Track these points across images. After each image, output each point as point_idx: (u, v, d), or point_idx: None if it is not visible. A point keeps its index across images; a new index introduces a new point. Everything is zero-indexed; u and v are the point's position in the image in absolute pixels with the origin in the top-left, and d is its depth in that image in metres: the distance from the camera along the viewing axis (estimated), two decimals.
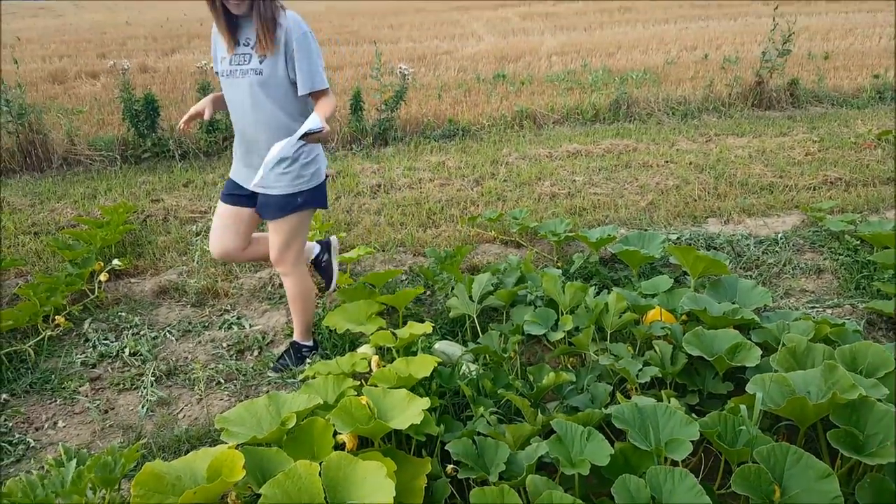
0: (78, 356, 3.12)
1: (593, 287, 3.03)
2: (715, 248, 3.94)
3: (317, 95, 2.56)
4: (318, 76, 2.52)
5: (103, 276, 3.64)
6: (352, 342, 3.11)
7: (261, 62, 2.45)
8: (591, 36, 14.69)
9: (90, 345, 3.22)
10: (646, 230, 4.14)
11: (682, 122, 7.41)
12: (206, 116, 2.62)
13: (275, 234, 2.76)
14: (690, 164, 5.68)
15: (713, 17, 16.96)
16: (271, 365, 3.03)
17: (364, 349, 2.90)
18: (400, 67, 6.90)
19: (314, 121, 2.31)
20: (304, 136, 2.30)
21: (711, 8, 19.37)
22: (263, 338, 3.28)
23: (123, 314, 3.49)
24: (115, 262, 3.74)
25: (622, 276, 3.59)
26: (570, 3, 24.25)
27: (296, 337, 3.08)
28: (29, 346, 3.08)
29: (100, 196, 5.33)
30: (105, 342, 3.24)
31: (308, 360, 3.01)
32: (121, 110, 6.45)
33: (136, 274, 3.97)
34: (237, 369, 3.02)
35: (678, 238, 4.05)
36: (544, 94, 8.61)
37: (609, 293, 3.08)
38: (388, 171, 5.86)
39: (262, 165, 2.28)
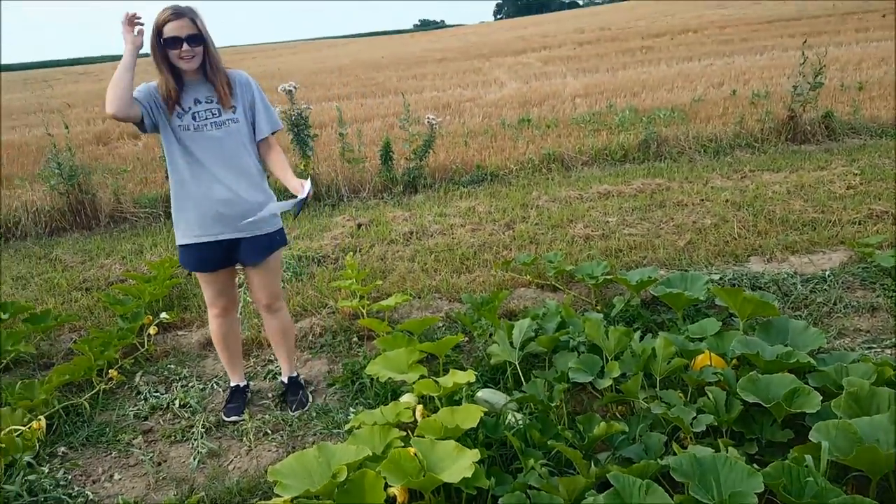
0: (130, 409, 3.20)
1: (637, 331, 3.01)
2: (760, 288, 3.88)
3: (269, 137, 2.82)
4: (276, 117, 2.85)
5: (152, 330, 3.75)
6: (393, 391, 3.13)
7: (234, 112, 2.69)
8: (614, 77, 14.84)
9: (142, 397, 3.30)
10: (687, 271, 4.11)
11: (715, 159, 7.39)
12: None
13: (266, 274, 2.94)
14: (727, 201, 5.65)
15: (738, 53, 17.01)
16: (292, 408, 3.10)
17: (406, 398, 2.90)
18: (428, 118, 7.06)
19: (309, 185, 2.60)
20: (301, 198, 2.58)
21: (735, 44, 19.46)
22: (306, 387, 3.31)
23: (172, 366, 3.57)
24: (163, 315, 3.84)
25: (666, 319, 3.56)
26: (590, 46, 24.59)
27: (291, 372, 3.24)
28: (84, 400, 3.17)
29: (146, 251, 5.50)
30: (156, 394, 3.31)
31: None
32: (163, 169, 6.68)
33: (183, 326, 4.07)
34: (283, 420, 3.05)
35: (721, 278, 4.01)
36: (571, 136, 8.70)
37: (654, 337, 3.05)
38: (420, 218, 5.94)
39: (266, 210, 2.58)
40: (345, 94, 16.51)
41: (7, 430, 2.78)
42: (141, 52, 2.61)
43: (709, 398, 2.50)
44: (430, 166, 7.30)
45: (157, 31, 2.57)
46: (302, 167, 6.72)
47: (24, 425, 2.83)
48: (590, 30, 33.57)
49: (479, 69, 20.21)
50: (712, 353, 2.86)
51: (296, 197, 2.59)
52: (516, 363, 3.01)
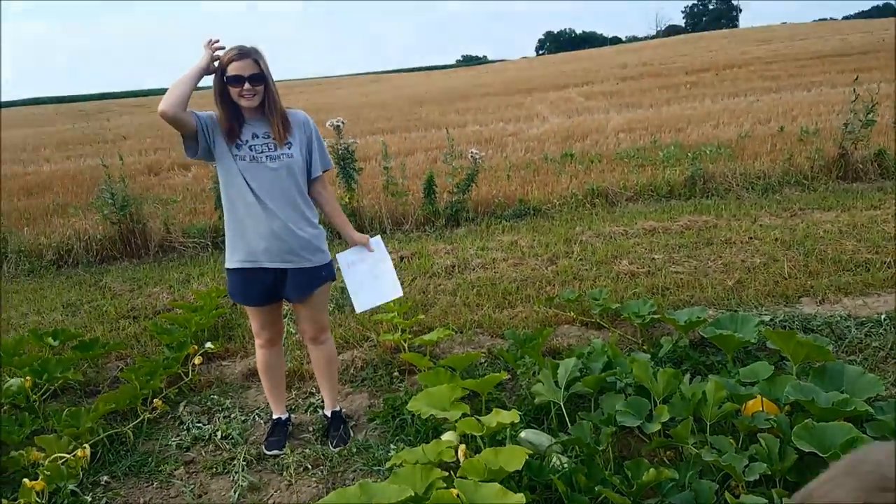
0: (173, 439, 3.22)
1: (687, 374, 2.92)
2: (813, 331, 3.74)
3: (321, 176, 2.96)
4: (328, 157, 3.00)
5: (197, 360, 3.79)
6: (435, 428, 3.08)
7: (289, 148, 2.76)
8: (657, 112, 14.75)
9: (184, 427, 3.32)
10: (736, 311, 3.99)
11: (763, 196, 7.23)
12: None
13: (313, 307, 2.98)
14: (776, 240, 5.50)
15: (785, 89, 16.77)
16: (333, 444, 3.08)
17: (448, 436, 2.86)
18: (471, 152, 7.11)
19: (381, 244, 3.07)
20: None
21: (782, 79, 19.20)
22: (347, 422, 3.29)
23: (215, 397, 3.60)
24: (208, 345, 3.89)
25: (715, 361, 3.45)
26: (632, 81, 24.56)
27: (334, 406, 3.23)
28: (128, 429, 3.20)
29: (193, 281, 5.61)
30: (198, 425, 3.33)
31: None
32: (212, 199, 6.85)
33: (227, 356, 4.11)
34: (323, 454, 3.03)
35: (772, 320, 3.88)
36: (615, 171, 8.64)
37: (703, 380, 2.96)
38: (462, 252, 5.93)
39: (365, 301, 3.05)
40: (388, 128, 16.78)
41: (53, 457, 2.82)
42: (203, 84, 2.72)
43: (762, 445, 2.40)
44: (472, 200, 7.32)
45: (222, 69, 2.68)
46: (346, 199, 6.81)
47: (69, 453, 2.86)
48: (632, 65, 33.57)
49: (521, 104, 20.34)
50: (764, 399, 2.76)
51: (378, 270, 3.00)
52: (561, 404, 2.94)
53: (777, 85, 17.87)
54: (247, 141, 2.75)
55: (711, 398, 2.63)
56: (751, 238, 5.66)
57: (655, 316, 3.86)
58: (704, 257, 5.27)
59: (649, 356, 3.25)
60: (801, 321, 3.90)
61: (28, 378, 3.54)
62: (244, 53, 2.67)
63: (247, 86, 2.66)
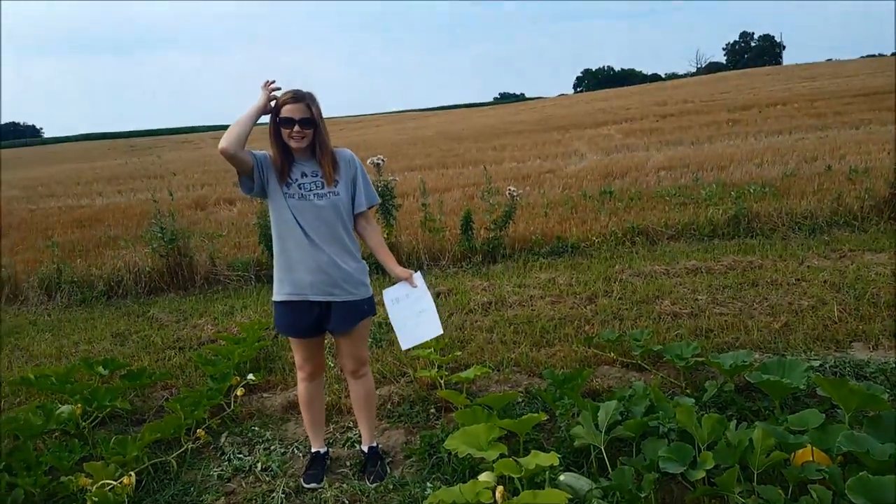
0: (215, 469, 3.26)
1: (733, 420, 2.85)
2: (866, 378, 3.61)
3: (366, 211, 3.05)
4: (374, 193, 3.07)
5: (240, 391, 3.85)
6: (472, 467, 3.06)
7: (336, 186, 2.86)
8: (699, 150, 14.64)
9: (226, 458, 3.36)
10: (783, 356, 3.89)
11: (811, 237, 7.08)
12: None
13: (355, 340, 3.05)
14: (825, 282, 5.36)
15: (831, 127, 16.50)
16: (370, 479, 3.07)
17: (485, 476, 2.83)
18: (509, 189, 7.16)
19: (421, 280, 3.08)
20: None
21: (828, 117, 18.90)
22: (384, 457, 3.29)
23: (256, 428, 3.64)
24: (250, 376, 3.95)
25: (762, 408, 3.35)
26: (673, 118, 24.47)
27: (371, 441, 3.24)
28: (172, 458, 3.26)
29: (237, 313, 5.73)
30: (239, 456, 3.36)
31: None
32: (256, 234, 7.02)
33: (268, 388, 4.16)
34: (360, 490, 3.02)
35: (821, 365, 3.77)
36: (655, 209, 8.57)
37: (749, 426, 2.88)
38: (499, 289, 5.93)
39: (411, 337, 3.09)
40: (426, 165, 17.01)
41: (100, 483, 2.89)
42: (259, 121, 2.87)
43: (812, 497, 2.32)
44: (509, 236, 7.34)
45: (276, 110, 2.81)
46: (385, 235, 6.91)
47: (116, 480, 2.93)
48: (672, 102, 33.48)
49: (559, 141, 20.43)
50: (815, 448, 2.67)
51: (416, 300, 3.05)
52: (602, 447, 2.89)
53: (823, 123, 17.59)
54: (296, 179, 2.86)
55: (759, 446, 2.56)
56: (798, 280, 5.53)
57: (699, 359, 3.78)
58: (749, 299, 5.16)
59: (693, 400, 3.18)
60: (853, 367, 3.78)
61: (79, 405, 3.65)
62: (298, 97, 2.79)
63: (297, 128, 2.78)
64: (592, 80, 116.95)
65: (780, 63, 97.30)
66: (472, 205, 8.59)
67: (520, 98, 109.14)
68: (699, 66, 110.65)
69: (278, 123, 2.81)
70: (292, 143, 2.82)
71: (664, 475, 2.75)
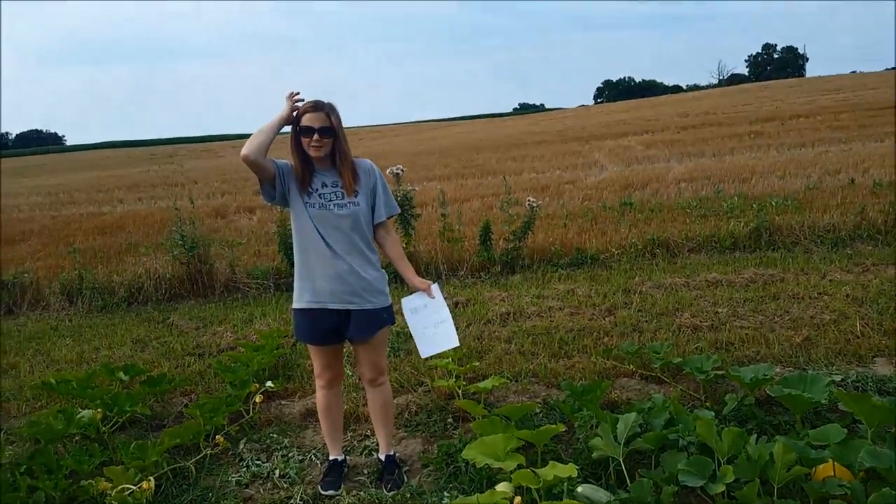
0: (233, 475, 3.28)
1: (753, 434, 2.81)
2: (889, 394, 3.55)
3: (386, 221, 3.06)
4: (393, 203, 3.10)
5: (258, 398, 3.88)
6: (489, 478, 3.05)
7: (356, 196, 2.89)
8: (720, 162, 14.53)
9: (244, 464, 3.38)
10: (805, 370, 3.84)
11: (833, 250, 6.99)
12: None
13: (373, 349, 3.06)
14: (847, 296, 5.29)
15: (855, 140, 16.30)
16: (387, 487, 3.07)
17: (502, 487, 2.82)
18: (528, 200, 7.15)
19: (438, 292, 3.11)
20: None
21: (852, 130, 18.68)
22: (400, 465, 3.29)
23: (274, 435, 3.66)
24: (269, 384, 3.99)
25: (782, 422, 3.31)
26: (694, 130, 24.33)
27: (388, 450, 3.23)
28: (191, 463, 3.29)
29: (256, 321, 5.77)
30: (257, 462, 3.38)
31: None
32: (276, 242, 7.09)
33: (286, 396, 4.19)
34: (378, 498, 3.02)
35: (843, 380, 3.72)
36: (676, 221, 8.52)
37: (769, 440, 2.85)
38: (517, 299, 5.92)
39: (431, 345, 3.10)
40: (445, 175, 17.06)
41: (120, 488, 2.92)
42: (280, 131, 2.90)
43: None
44: (528, 247, 7.33)
45: (297, 120, 2.85)
46: (403, 245, 6.93)
47: (135, 484, 2.96)
48: (694, 114, 33.30)
49: (579, 152, 20.38)
50: (836, 464, 2.63)
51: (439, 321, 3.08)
52: (620, 459, 2.87)
53: (846, 136, 17.38)
54: (317, 189, 2.90)
55: (779, 460, 2.52)
56: (820, 293, 5.46)
57: (719, 372, 3.75)
58: (770, 312, 5.11)
59: (713, 413, 3.15)
60: (876, 382, 3.72)
61: (99, 410, 3.70)
62: (318, 107, 2.83)
63: (316, 137, 2.81)
64: (613, 92, 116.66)
65: (803, 75, 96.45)
66: (491, 215, 8.59)
67: (539, 109, 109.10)
68: (721, 77, 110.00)
69: (298, 132, 2.85)
70: (311, 153, 2.85)
71: (683, 488, 2.72)
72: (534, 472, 2.70)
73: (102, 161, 47.14)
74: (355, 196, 2.91)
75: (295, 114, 2.86)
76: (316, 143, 2.82)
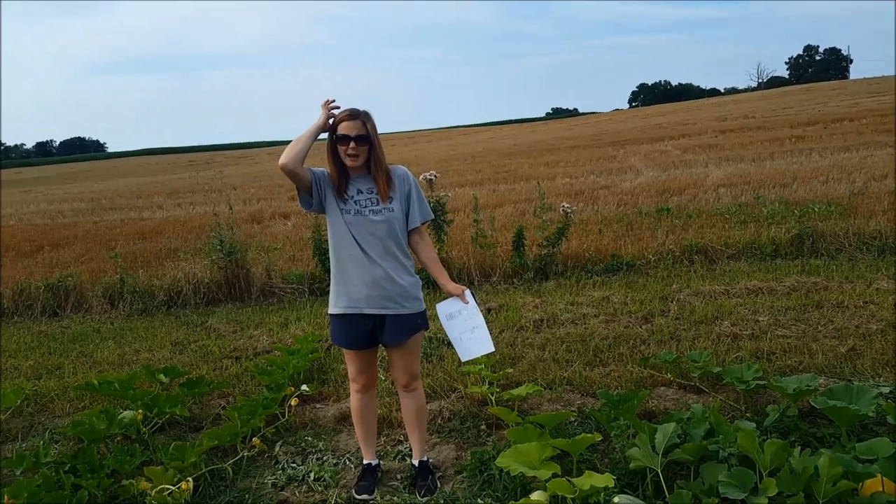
0: (269, 477, 3.31)
1: (797, 446, 2.74)
2: None
3: (420, 227, 3.08)
4: (427, 209, 3.11)
5: (294, 401, 3.92)
6: (523, 486, 3.02)
7: (390, 203, 2.92)
8: (760, 167, 14.23)
9: (280, 467, 3.41)
10: (850, 381, 3.72)
11: (880, 258, 6.77)
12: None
13: (407, 354, 3.07)
14: (895, 305, 5.12)
15: None
16: (421, 493, 3.07)
17: (537, 496, 2.80)
18: (563, 206, 7.10)
19: (471, 298, 3.12)
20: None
21: None
22: (434, 471, 3.28)
23: (309, 438, 3.69)
24: (304, 387, 4.02)
25: (826, 434, 3.21)
26: (732, 134, 23.89)
27: (422, 455, 3.22)
28: (228, 465, 3.34)
29: (291, 325, 5.84)
30: (293, 465, 3.41)
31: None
32: (311, 248, 7.16)
33: (321, 399, 4.22)
34: (411, 503, 3.02)
35: (891, 392, 3.59)
36: (714, 227, 8.37)
37: (813, 453, 2.76)
38: (551, 306, 5.87)
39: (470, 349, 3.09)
40: (477, 181, 17.04)
41: (159, 488, 2.98)
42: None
43: None
44: (562, 253, 7.27)
45: (333, 128, 2.89)
46: (436, 251, 6.94)
47: (174, 485, 3.01)
48: (732, 118, 32.72)
49: (614, 156, 20.17)
50: (885, 479, 2.54)
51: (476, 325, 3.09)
52: (658, 470, 2.82)
53: (892, 139, 16.85)
54: (352, 196, 2.93)
55: (825, 474, 2.45)
56: (865, 302, 5.29)
57: (760, 382, 3.65)
58: (814, 321, 4.97)
59: (754, 425, 3.08)
60: None
61: (140, 411, 3.78)
62: (354, 115, 2.87)
63: (352, 145, 2.85)
64: (648, 95, 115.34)
65: (846, 77, 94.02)
66: (524, 221, 8.55)
67: (573, 113, 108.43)
68: (760, 80, 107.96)
69: (335, 141, 2.88)
70: (348, 162, 2.89)
71: (724, 501, 2.65)
72: (569, 481, 2.67)
73: (142, 168, 48.35)
74: (390, 202, 2.94)
75: (331, 122, 2.90)
76: (352, 150, 2.85)
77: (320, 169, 2.98)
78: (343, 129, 2.85)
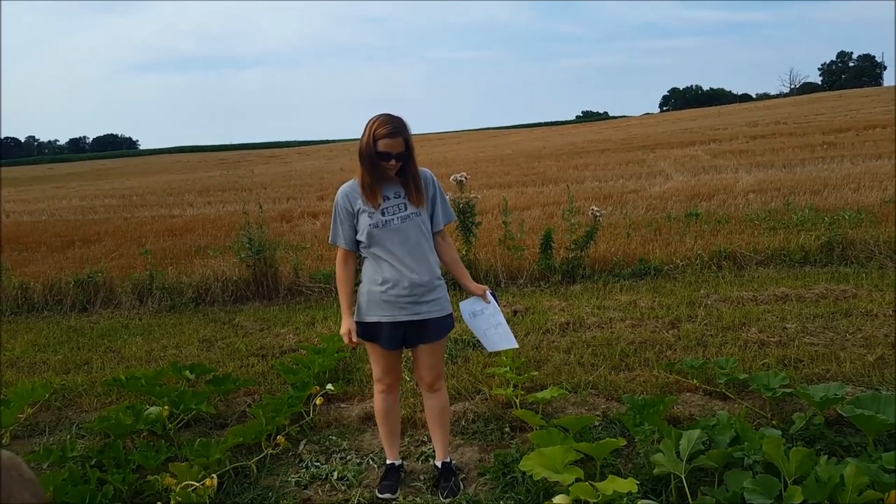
0: (293, 476, 3.35)
1: (823, 455, 2.70)
2: None
3: (443, 228, 3.15)
4: (450, 211, 3.18)
5: (319, 400, 3.96)
6: (546, 490, 3.02)
7: (417, 207, 2.97)
8: (791, 173, 14.01)
9: (303, 465, 3.44)
10: (878, 390, 3.66)
11: None
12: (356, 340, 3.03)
13: (433, 354, 3.11)
14: None
15: None
16: (444, 494, 3.08)
17: (560, 499, 2.79)
18: (592, 209, 7.07)
19: (492, 299, 3.17)
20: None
21: None
22: (456, 473, 3.29)
23: (333, 437, 3.72)
24: (329, 386, 4.06)
25: (853, 443, 3.16)
26: (763, 139, 23.53)
27: (445, 457, 3.23)
28: (253, 463, 3.38)
29: (317, 324, 5.89)
30: (316, 464, 3.45)
31: None
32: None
33: (346, 399, 4.26)
34: None
35: None
36: (743, 233, 8.27)
37: (839, 462, 2.72)
38: (577, 310, 5.84)
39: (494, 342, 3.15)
40: (506, 183, 17.03)
41: (184, 484, 3.01)
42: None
43: None
44: (589, 257, 7.23)
45: (373, 141, 2.87)
46: (464, 252, 6.95)
47: (199, 481, 3.04)
48: (763, 123, 32.22)
49: (643, 161, 19.99)
50: None
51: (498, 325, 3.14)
52: (682, 476, 2.80)
53: None
54: (380, 204, 2.96)
55: (850, 483, 2.42)
56: (895, 311, 5.19)
57: (787, 389, 3.60)
58: (842, 329, 4.89)
59: (780, 432, 3.04)
60: None
61: (166, 407, 3.83)
62: (396, 132, 2.86)
63: (392, 162, 2.89)
64: (679, 100, 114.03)
65: (880, 84, 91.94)
66: (552, 223, 8.53)
67: (603, 117, 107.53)
68: (792, 86, 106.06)
69: (375, 155, 2.87)
70: (388, 171, 2.93)
71: None
72: (592, 485, 2.66)
73: (174, 165, 49.15)
74: (418, 206, 2.98)
75: (371, 135, 2.88)
76: (392, 167, 2.91)
77: (343, 205, 3.00)
78: (384, 146, 2.85)
